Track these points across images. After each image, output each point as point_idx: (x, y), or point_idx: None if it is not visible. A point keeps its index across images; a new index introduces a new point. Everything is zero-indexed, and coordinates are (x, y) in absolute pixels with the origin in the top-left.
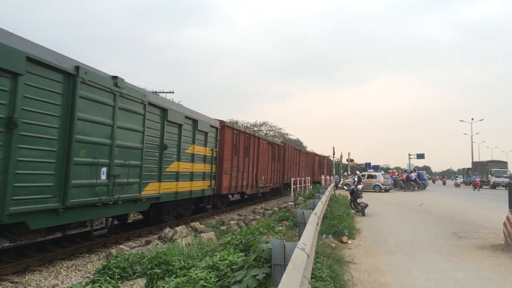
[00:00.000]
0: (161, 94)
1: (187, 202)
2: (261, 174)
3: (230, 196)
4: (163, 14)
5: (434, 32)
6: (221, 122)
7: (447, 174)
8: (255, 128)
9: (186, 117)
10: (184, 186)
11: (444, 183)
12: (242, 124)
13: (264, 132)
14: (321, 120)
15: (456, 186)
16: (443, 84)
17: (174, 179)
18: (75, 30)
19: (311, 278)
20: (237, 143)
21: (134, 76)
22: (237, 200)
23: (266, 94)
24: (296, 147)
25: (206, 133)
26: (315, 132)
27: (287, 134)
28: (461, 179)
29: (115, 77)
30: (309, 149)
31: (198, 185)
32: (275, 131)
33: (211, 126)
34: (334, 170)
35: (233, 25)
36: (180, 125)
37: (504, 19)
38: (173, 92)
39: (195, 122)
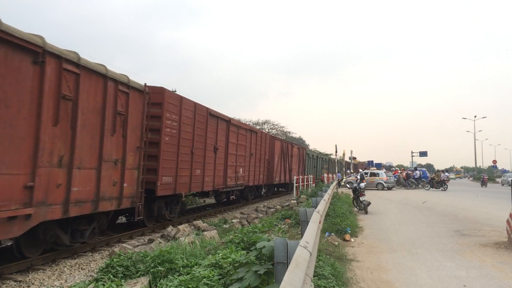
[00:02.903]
0: None
1: None
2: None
3: None
4: (167, 13)
5: (437, 30)
6: None
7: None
8: (257, 126)
9: None
10: None
11: (485, 185)
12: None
13: (267, 130)
14: (323, 119)
15: None
16: (446, 82)
17: None
18: (79, 29)
19: (314, 275)
20: None
21: (137, 75)
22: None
23: (270, 93)
24: (225, 115)
25: None
26: (318, 131)
27: (289, 132)
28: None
29: None
30: (311, 147)
31: None
32: (278, 129)
33: None
34: (337, 168)
35: (235, 24)
36: None
37: (506, 18)
38: (175, 91)
39: None
